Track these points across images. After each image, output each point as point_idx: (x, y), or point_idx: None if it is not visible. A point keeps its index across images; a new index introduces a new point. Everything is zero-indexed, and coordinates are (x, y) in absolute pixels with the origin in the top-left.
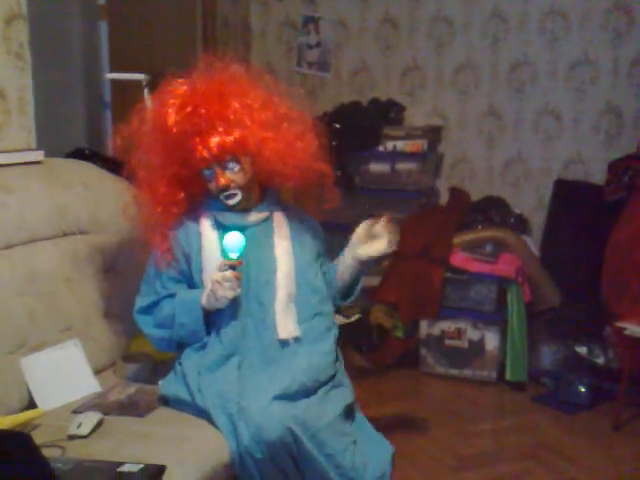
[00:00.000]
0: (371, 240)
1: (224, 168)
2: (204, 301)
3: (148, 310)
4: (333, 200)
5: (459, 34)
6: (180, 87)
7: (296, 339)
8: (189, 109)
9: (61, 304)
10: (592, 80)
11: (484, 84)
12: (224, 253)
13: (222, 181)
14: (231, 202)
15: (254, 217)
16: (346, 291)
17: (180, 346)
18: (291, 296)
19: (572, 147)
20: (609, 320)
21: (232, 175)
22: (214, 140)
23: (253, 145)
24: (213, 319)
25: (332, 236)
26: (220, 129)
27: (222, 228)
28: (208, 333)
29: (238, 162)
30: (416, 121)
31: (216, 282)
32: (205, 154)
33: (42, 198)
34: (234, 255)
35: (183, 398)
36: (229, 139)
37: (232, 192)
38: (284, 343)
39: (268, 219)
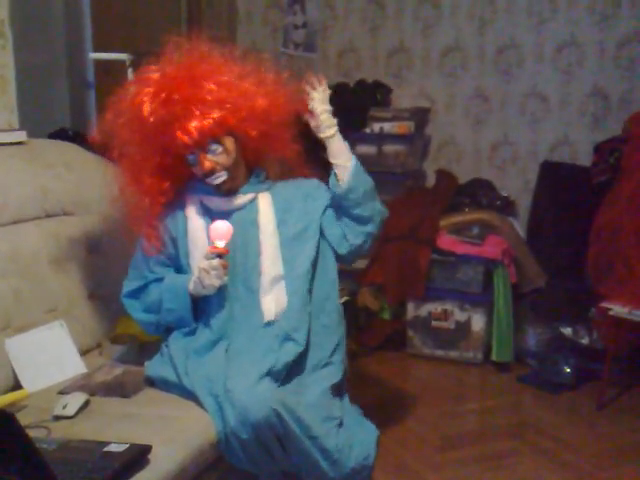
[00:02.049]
0: None
1: (207, 152)
2: (191, 287)
3: (135, 294)
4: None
5: (446, 16)
6: (152, 75)
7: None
8: (163, 96)
9: (46, 285)
10: (579, 62)
11: (471, 66)
12: (209, 241)
13: (207, 165)
14: (216, 181)
15: (240, 200)
16: (353, 200)
17: (168, 330)
18: (277, 278)
19: (559, 129)
20: (594, 301)
21: (215, 157)
22: (192, 124)
23: (236, 120)
24: (201, 306)
25: None
26: (197, 112)
27: (208, 212)
28: (196, 319)
29: (220, 143)
30: (403, 103)
31: (203, 270)
32: (186, 140)
33: (25, 179)
34: (221, 243)
35: (169, 379)
36: (208, 121)
37: (218, 175)
38: (269, 323)
39: (254, 200)
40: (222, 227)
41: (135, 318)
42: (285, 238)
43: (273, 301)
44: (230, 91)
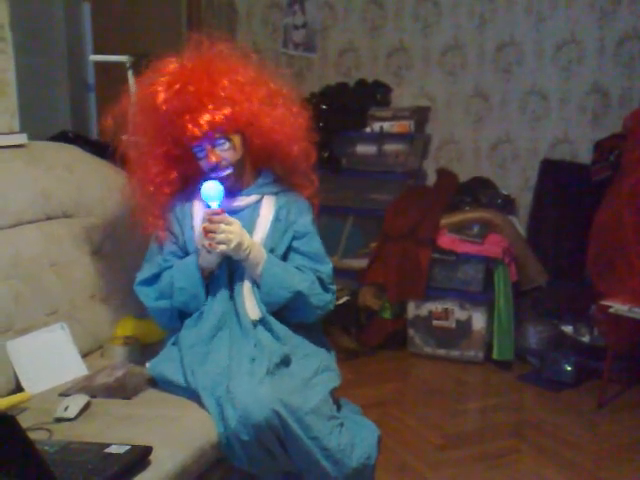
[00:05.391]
0: None
1: (214, 146)
2: (200, 260)
3: (149, 282)
4: (309, 187)
5: (446, 15)
6: (169, 65)
7: (264, 323)
8: (177, 86)
9: (47, 287)
10: (578, 60)
11: (471, 65)
12: (205, 204)
13: (213, 158)
14: (220, 175)
15: (244, 201)
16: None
17: (182, 319)
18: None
19: (559, 127)
20: (594, 299)
21: (222, 152)
22: (204, 117)
23: (245, 120)
24: (209, 289)
25: (319, 219)
26: (210, 106)
27: None
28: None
29: (228, 139)
30: (403, 102)
31: (203, 230)
32: (195, 132)
33: (25, 182)
34: (214, 204)
35: (171, 379)
36: (219, 116)
37: (223, 170)
38: (255, 324)
39: (259, 202)
40: (212, 188)
41: (149, 307)
42: (271, 247)
43: (255, 306)
44: (242, 93)
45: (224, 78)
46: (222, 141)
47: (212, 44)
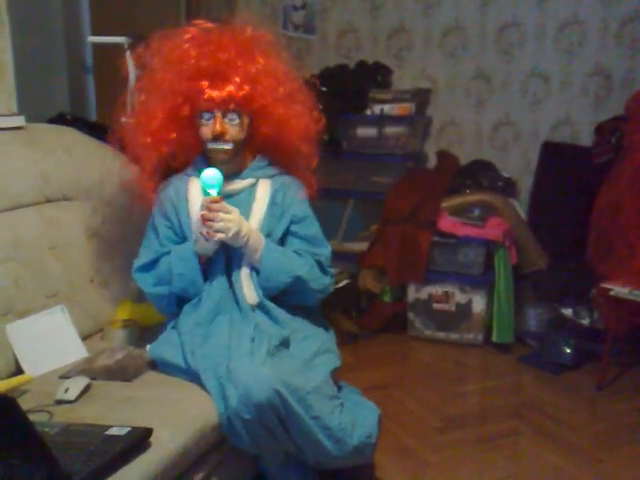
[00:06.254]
0: None
1: (224, 116)
2: (197, 247)
3: (147, 268)
4: (307, 188)
5: None
6: (208, 25)
7: (262, 307)
8: (211, 47)
9: (47, 270)
10: (581, 41)
11: (472, 46)
12: (204, 191)
13: (218, 127)
14: (219, 147)
15: (239, 185)
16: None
17: (180, 305)
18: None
19: (560, 109)
20: (595, 281)
21: (230, 126)
22: (227, 87)
23: (263, 104)
24: (207, 272)
25: (320, 202)
26: (236, 78)
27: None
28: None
29: (239, 116)
30: (404, 84)
31: (202, 217)
32: (213, 96)
33: (24, 164)
34: (213, 191)
35: (173, 362)
36: (242, 92)
37: (224, 143)
38: (254, 308)
39: (254, 186)
40: (212, 175)
41: (147, 293)
42: (268, 232)
43: (253, 291)
44: (273, 78)
45: (261, 57)
46: (234, 116)
47: (257, 26)
